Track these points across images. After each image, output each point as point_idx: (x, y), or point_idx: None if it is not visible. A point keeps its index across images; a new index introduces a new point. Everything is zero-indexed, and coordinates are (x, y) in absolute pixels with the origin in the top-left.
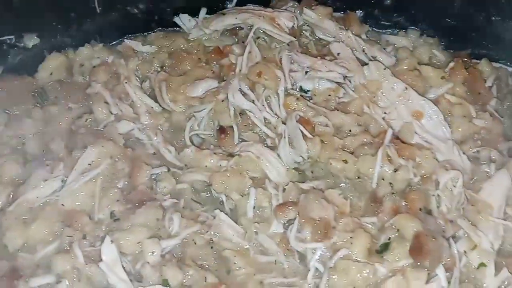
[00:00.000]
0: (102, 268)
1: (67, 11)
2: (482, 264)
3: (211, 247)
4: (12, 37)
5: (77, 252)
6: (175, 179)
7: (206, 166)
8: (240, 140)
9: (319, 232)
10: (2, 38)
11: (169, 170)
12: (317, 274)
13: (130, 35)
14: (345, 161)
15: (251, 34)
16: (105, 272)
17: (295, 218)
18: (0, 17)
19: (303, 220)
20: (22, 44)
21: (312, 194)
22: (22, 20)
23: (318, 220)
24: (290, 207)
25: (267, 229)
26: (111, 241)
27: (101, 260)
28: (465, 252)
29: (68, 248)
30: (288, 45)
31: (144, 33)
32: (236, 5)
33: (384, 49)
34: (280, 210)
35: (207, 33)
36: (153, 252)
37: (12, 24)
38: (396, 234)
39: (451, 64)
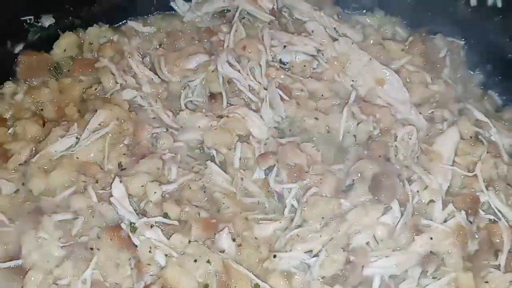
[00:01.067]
0: (113, 202)
1: None
2: (431, 201)
3: (204, 191)
4: (31, 17)
5: (91, 193)
6: (172, 138)
7: (199, 127)
8: (228, 104)
9: (294, 175)
10: (23, 18)
11: (167, 130)
12: (292, 209)
13: (132, 18)
14: (316, 118)
15: (237, 14)
16: (116, 205)
17: (274, 165)
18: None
19: (281, 166)
20: (40, 24)
21: (288, 145)
22: (40, 2)
23: (293, 166)
24: (270, 156)
25: (251, 176)
26: (120, 181)
27: (111, 196)
28: (417, 191)
29: (83, 191)
30: (269, 23)
31: (144, 16)
32: None
33: (353, 27)
34: (262, 159)
35: (199, 16)
36: (154, 192)
37: (32, 6)
38: (359, 176)
39: (410, 39)
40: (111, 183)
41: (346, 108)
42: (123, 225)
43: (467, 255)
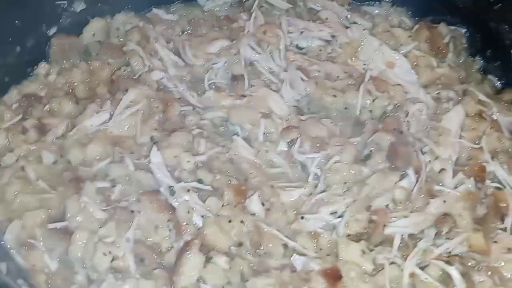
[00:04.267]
0: (152, 168)
1: None
2: (442, 169)
3: (231, 163)
4: (65, 2)
5: (129, 162)
6: (199, 116)
7: (223, 105)
8: (250, 85)
9: (316, 145)
10: (57, 3)
11: (194, 108)
12: (315, 177)
13: (155, 6)
14: (335, 96)
15: (256, 2)
16: (154, 171)
17: (297, 138)
18: None
19: (303, 138)
20: (72, 8)
21: (310, 120)
22: None
23: (315, 137)
24: (293, 130)
25: (275, 148)
26: (157, 149)
27: (149, 162)
28: (429, 161)
29: (120, 161)
30: (286, 11)
31: (167, 5)
32: None
33: (363, 16)
34: (285, 132)
35: (219, 4)
36: (188, 161)
37: None
38: (376, 146)
39: (416, 26)
40: (145, 154)
41: (362, 86)
42: (161, 189)
43: (476, 218)
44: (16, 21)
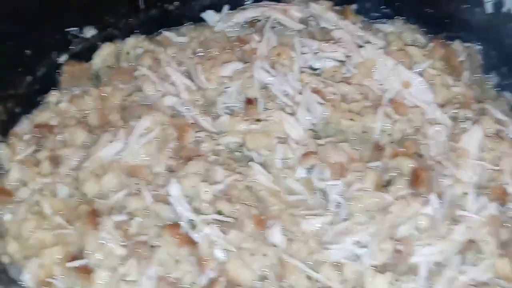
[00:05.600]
0: (171, 201)
1: (118, 8)
2: (464, 193)
3: (249, 191)
4: (76, 28)
5: (146, 193)
6: (213, 142)
7: (238, 130)
8: (264, 109)
9: (336, 172)
10: (67, 30)
11: (208, 134)
12: (337, 205)
13: (165, 28)
14: (352, 119)
15: (269, 23)
16: (174, 204)
17: (316, 164)
18: (68, 12)
19: (323, 164)
20: (82, 35)
21: (328, 145)
22: (84, 15)
23: (335, 164)
24: (312, 156)
25: (293, 175)
26: (177, 181)
27: (168, 195)
28: (451, 185)
29: (137, 193)
30: (299, 32)
31: (177, 27)
32: (253, 2)
33: (376, 35)
34: (304, 158)
35: (230, 25)
36: (206, 191)
37: (76, 19)
38: (397, 172)
39: (431, 44)
40: (162, 184)
41: (381, 109)
42: (181, 223)
43: (500, 243)
44: (26, 50)
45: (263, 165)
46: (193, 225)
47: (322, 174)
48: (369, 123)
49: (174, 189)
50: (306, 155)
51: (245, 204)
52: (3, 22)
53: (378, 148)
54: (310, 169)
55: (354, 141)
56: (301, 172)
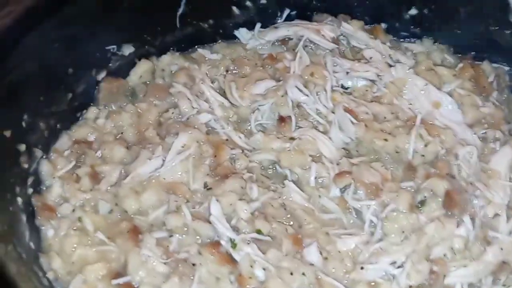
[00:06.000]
0: (212, 220)
1: (155, 27)
2: (496, 215)
3: (285, 209)
4: (114, 46)
5: (186, 212)
6: (248, 159)
7: (272, 148)
8: (297, 127)
9: (371, 192)
10: (107, 48)
11: (242, 151)
12: (371, 225)
13: (199, 45)
14: (386, 140)
15: (302, 43)
16: (215, 223)
17: (350, 184)
18: (107, 31)
19: (358, 184)
20: (121, 52)
21: (362, 165)
22: (123, 33)
23: (369, 184)
24: (346, 175)
25: (327, 194)
26: (217, 200)
27: (210, 215)
28: (483, 206)
29: (176, 210)
30: (330, 51)
31: (210, 44)
32: (284, 20)
33: (405, 54)
34: (338, 178)
35: (262, 43)
36: (245, 210)
37: (115, 37)
38: (430, 193)
39: (460, 65)
40: (199, 201)
41: (414, 130)
42: (222, 242)
43: None
44: (69, 69)
45: (296, 183)
46: (233, 244)
47: (356, 193)
48: (402, 143)
49: (215, 209)
50: (341, 174)
51: (282, 222)
52: (50, 44)
53: (410, 169)
54: (344, 188)
55: (387, 161)
56: (335, 191)
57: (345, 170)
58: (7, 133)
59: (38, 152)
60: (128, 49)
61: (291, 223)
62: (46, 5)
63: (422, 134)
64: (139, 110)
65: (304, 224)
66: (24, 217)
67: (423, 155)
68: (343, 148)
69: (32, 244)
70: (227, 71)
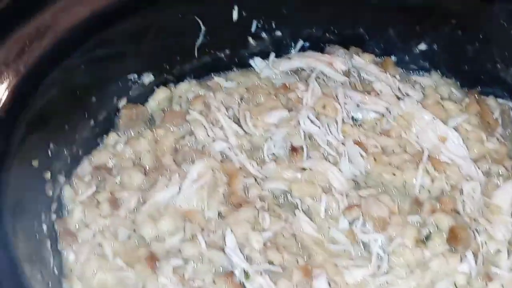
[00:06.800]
0: (227, 252)
1: (175, 56)
2: (498, 250)
3: (295, 239)
4: (135, 75)
5: (201, 240)
6: (260, 188)
7: (284, 178)
8: (308, 157)
9: (379, 226)
10: (128, 77)
11: (255, 180)
12: (378, 258)
13: (215, 73)
14: (394, 174)
15: (314, 74)
16: (230, 255)
17: (359, 217)
18: (130, 61)
19: (367, 217)
20: (141, 81)
21: (370, 198)
22: (144, 63)
23: (377, 217)
24: (355, 208)
25: (337, 225)
26: (231, 230)
27: (224, 245)
28: (485, 242)
29: (191, 238)
30: (342, 83)
31: (225, 72)
32: (298, 51)
33: (413, 87)
34: (348, 211)
35: (276, 73)
36: (257, 241)
37: (136, 66)
38: (435, 228)
39: (467, 100)
40: (213, 229)
41: (421, 166)
42: (236, 271)
43: None
44: (93, 97)
45: (306, 213)
46: (246, 275)
47: (364, 226)
48: (409, 178)
49: (230, 241)
50: (350, 208)
51: (292, 253)
52: (76, 76)
53: (417, 203)
54: (352, 221)
55: (395, 195)
56: (344, 223)
57: (354, 204)
58: (35, 163)
59: (61, 178)
60: (148, 78)
61: (301, 253)
62: (73, 39)
63: (428, 170)
64: (157, 136)
65: (313, 255)
66: (49, 243)
67: (429, 190)
68: (352, 180)
69: (55, 269)
70: (241, 99)
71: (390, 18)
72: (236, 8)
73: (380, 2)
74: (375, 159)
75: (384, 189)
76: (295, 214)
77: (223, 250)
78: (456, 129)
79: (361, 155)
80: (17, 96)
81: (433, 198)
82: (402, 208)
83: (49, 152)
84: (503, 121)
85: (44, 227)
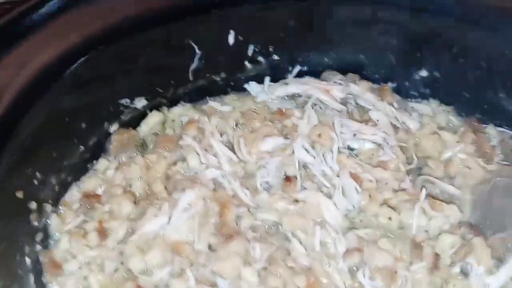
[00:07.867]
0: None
1: (169, 80)
2: None
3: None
4: (127, 99)
5: (190, 276)
6: (252, 217)
7: (276, 209)
8: (302, 187)
9: (387, 277)
10: (120, 102)
11: (248, 209)
12: None
13: (209, 97)
14: (390, 219)
15: (310, 102)
16: None
17: (360, 264)
18: (122, 86)
19: (371, 268)
20: (133, 105)
21: (372, 245)
22: (137, 87)
23: (384, 269)
24: (355, 253)
25: (336, 265)
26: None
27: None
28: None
29: (180, 272)
30: (339, 112)
31: (220, 96)
32: (294, 77)
33: (410, 114)
34: (348, 255)
35: (271, 98)
36: (252, 274)
37: (129, 91)
38: None
39: (462, 129)
40: (204, 263)
41: (417, 207)
42: None
43: None
44: (83, 123)
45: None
46: None
47: (374, 281)
48: (407, 219)
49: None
50: (350, 252)
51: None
52: (65, 102)
53: (415, 246)
54: (355, 267)
55: (393, 237)
56: (344, 266)
57: (355, 248)
58: (20, 194)
59: (48, 207)
60: (140, 102)
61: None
62: (60, 64)
63: (425, 208)
64: (148, 162)
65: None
66: (32, 278)
67: (426, 231)
68: (346, 215)
69: None
70: (236, 124)
71: (390, 45)
72: (232, 32)
73: (380, 28)
74: (370, 196)
75: (381, 230)
76: (289, 241)
77: (212, 285)
78: (451, 159)
79: (356, 190)
80: (2, 127)
81: (432, 239)
82: (402, 251)
83: (35, 181)
84: (503, 150)
85: (27, 260)
